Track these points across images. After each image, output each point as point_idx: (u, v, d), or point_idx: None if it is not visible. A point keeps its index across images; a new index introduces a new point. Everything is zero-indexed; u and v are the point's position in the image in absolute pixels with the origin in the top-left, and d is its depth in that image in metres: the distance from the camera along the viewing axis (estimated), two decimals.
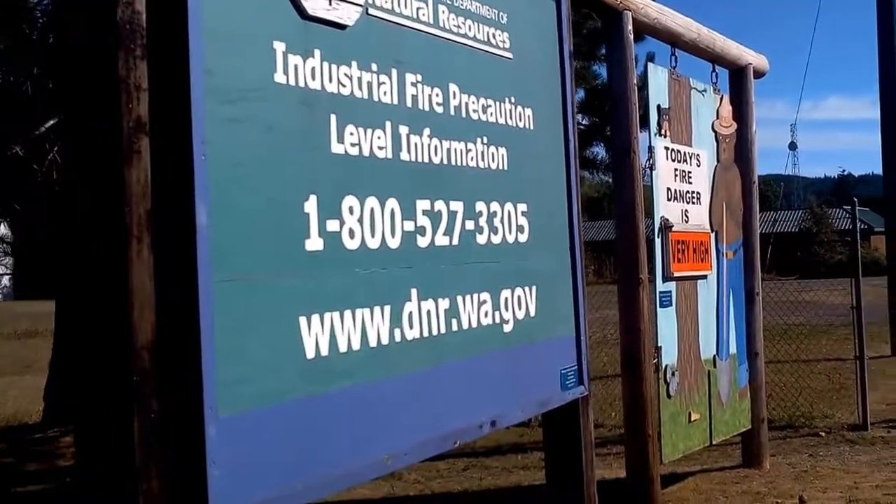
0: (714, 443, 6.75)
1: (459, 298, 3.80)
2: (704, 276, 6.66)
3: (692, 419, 6.38)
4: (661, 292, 6.09)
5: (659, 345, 6.05)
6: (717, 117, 7.02)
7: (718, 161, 7.01)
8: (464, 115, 3.90)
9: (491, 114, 4.09)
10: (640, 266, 5.76)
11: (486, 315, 3.97)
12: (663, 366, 6.06)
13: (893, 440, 8.57)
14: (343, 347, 3.16)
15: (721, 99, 7.09)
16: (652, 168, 6.11)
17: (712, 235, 6.81)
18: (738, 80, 7.44)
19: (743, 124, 7.36)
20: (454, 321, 3.76)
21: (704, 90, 6.84)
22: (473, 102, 3.97)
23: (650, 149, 6.12)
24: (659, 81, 6.24)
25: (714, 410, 6.68)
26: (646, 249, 5.84)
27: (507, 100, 4.21)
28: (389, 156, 3.45)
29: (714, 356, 6.77)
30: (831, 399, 10.64)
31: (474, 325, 3.88)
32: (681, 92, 6.50)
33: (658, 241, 6.10)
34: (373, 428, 3.26)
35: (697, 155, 6.67)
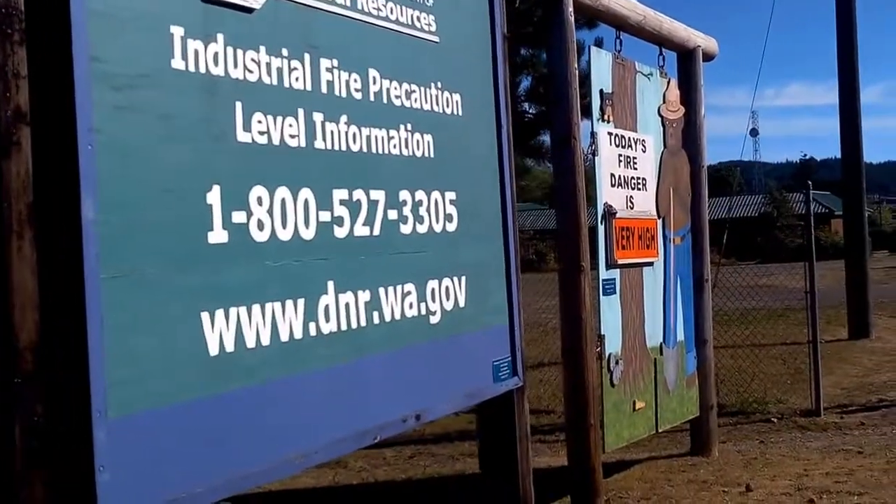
0: (660, 430, 6.73)
1: (381, 290, 3.71)
2: (651, 263, 6.61)
3: (637, 407, 6.33)
4: (604, 280, 6.03)
5: (602, 333, 5.99)
6: (664, 102, 6.96)
7: (665, 146, 6.94)
8: (385, 101, 3.80)
9: (415, 100, 3.99)
10: (581, 253, 5.69)
11: (410, 307, 3.88)
12: (606, 354, 6.00)
13: (846, 426, 8.60)
14: (251, 343, 3.06)
15: (668, 83, 7.02)
16: (594, 154, 6.03)
17: (659, 222, 6.76)
18: (687, 63, 7.38)
19: (691, 109, 7.30)
20: (376, 314, 3.67)
21: (650, 74, 6.77)
22: (396, 88, 3.87)
23: (593, 134, 6.05)
24: (602, 65, 6.16)
25: (660, 398, 6.65)
26: (587, 237, 5.77)
27: (432, 85, 4.12)
28: (303, 144, 3.34)
29: (661, 344, 6.72)
30: (786, 384, 10.67)
31: (398, 317, 3.79)
32: (625, 76, 6.42)
33: (601, 228, 6.04)
34: (284, 425, 3.17)
35: (643, 140, 6.60)
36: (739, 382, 10.32)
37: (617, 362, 6.10)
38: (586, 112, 6.12)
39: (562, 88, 5.69)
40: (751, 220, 52.09)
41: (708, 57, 7.63)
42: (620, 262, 6.15)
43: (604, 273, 6.03)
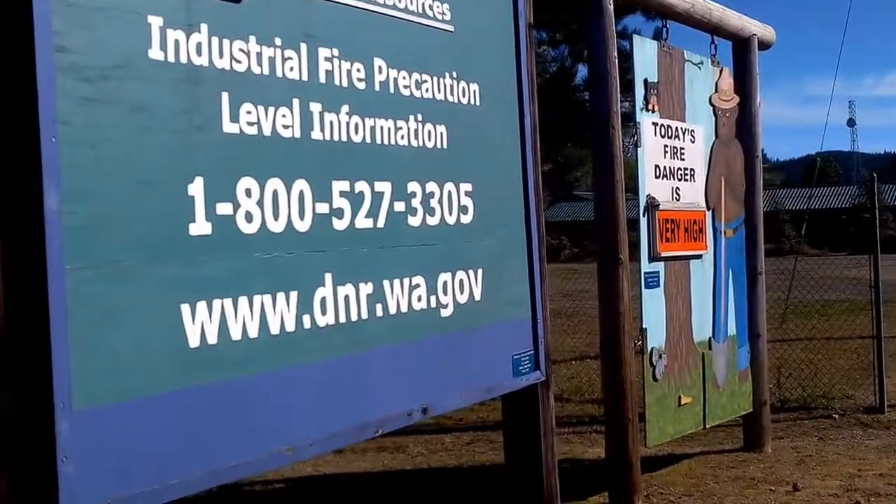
0: (708, 426, 6.48)
1: (386, 283, 3.59)
2: (699, 256, 6.36)
3: (682, 403, 6.10)
4: (646, 273, 5.81)
5: (644, 327, 5.78)
6: (716, 91, 6.69)
7: (717, 136, 6.67)
8: (392, 91, 3.68)
9: (427, 90, 3.86)
10: (619, 246, 5.50)
11: (419, 300, 3.75)
12: (649, 348, 5.79)
13: None
14: (236, 335, 2.98)
15: (721, 72, 6.75)
16: (637, 144, 5.81)
17: (709, 214, 6.50)
18: (742, 52, 7.08)
19: (746, 98, 7.01)
20: (379, 306, 3.55)
21: (701, 63, 6.51)
22: (404, 78, 3.74)
23: (635, 124, 5.83)
24: (646, 54, 5.94)
25: (709, 394, 6.40)
26: (626, 228, 5.57)
27: (447, 75, 3.98)
28: (297, 135, 3.24)
29: (709, 338, 6.47)
30: (855, 379, 10.21)
31: (404, 310, 3.67)
32: (672, 65, 6.18)
33: (643, 221, 5.82)
34: (271, 418, 3.08)
35: (692, 130, 6.35)
36: (807, 376, 9.91)
37: (660, 356, 5.88)
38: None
39: (600, 77, 5.50)
40: (844, 210, 50.51)
41: (765, 46, 7.31)
42: (664, 254, 5.92)
43: (646, 266, 5.81)
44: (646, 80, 5.89)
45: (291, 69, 3.24)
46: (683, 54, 6.33)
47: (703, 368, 6.34)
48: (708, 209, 6.50)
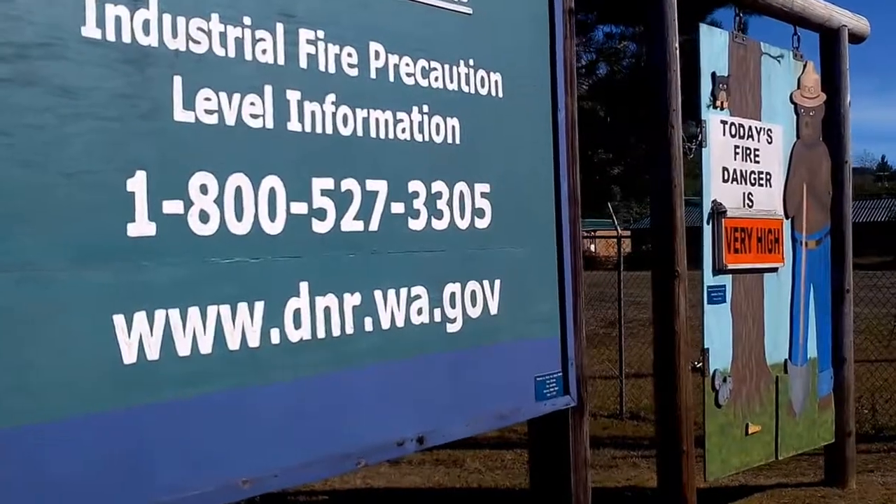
0: (780, 458, 5.95)
1: (378, 294, 3.25)
2: (774, 269, 5.85)
3: (750, 431, 5.60)
4: (710, 287, 5.34)
5: (706, 347, 5.31)
6: (799, 87, 6.15)
7: (799, 137, 6.14)
8: (391, 79, 3.34)
9: (435, 78, 3.51)
10: (676, 257, 5.05)
11: (419, 313, 3.40)
12: (711, 371, 5.32)
13: None
14: (184, 351, 2.67)
15: (804, 66, 6.21)
16: (702, 145, 5.35)
17: (787, 223, 5.98)
18: (830, 44, 6.52)
19: (834, 96, 6.45)
20: (369, 320, 3.21)
21: (780, 56, 5.99)
22: (407, 65, 3.40)
23: (701, 123, 5.36)
24: (715, 45, 5.47)
25: (782, 422, 5.87)
26: (684, 238, 5.11)
27: (461, 63, 3.62)
28: (269, 126, 2.93)
29: (785, 361, 5.94)
30: None
31: (400, 324, 3.32)
32: (747, 58, 5.69)
33: (707, 229, 5.35)
34: (225, 444, 2.77)
35: (769, 130, 5.84)
36: None
37: (724, 380, 5.39)
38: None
39: (658, 69, 5.07)
40: None
41: (858, 38, 6.73)
42: (731, 266, 5.44)
43: (710, 279, 5.34)
44: (713, 74, 5.42)
45: (264, 52, 2.93)
46: (760, 46, 5.83)
47: (776, 394, 5.82)
48: (786, 218, 5.98)
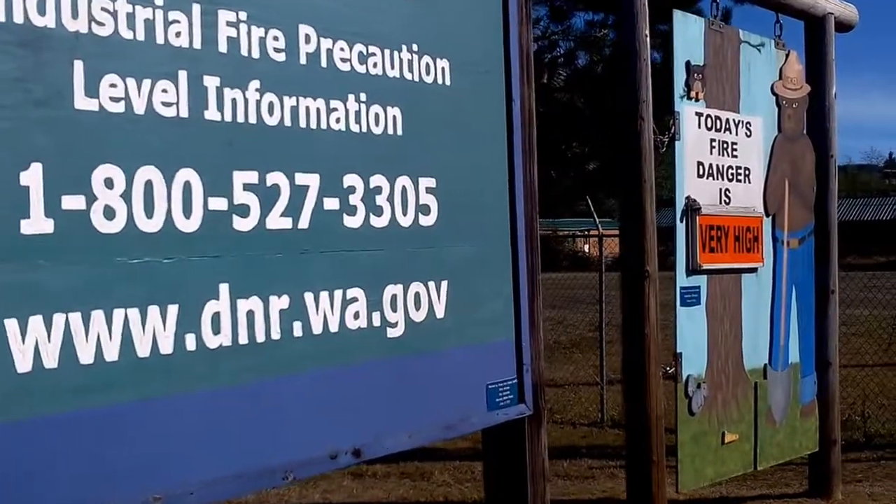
0: (760, 468, 5.83)
1: (309, 296, 3.12)
2: (753, 270, 5.73)
3: (727, 440, 5.49)
4: (683, 288, 5.23)
5: (679, 351, 5.19)
6: (780, 78, 6.04)
7: (780, 130, 6.03)
8: (324, 65, 3.21)
9: (374, 65, 3.38)
10: (645, 256, 4.94)
11: (356, 317, 3.27)
12: (684, 377, 5.20)
13: None
14: (87, 358, 2.54)
15: (787, 56, 6.10)
16: (675, 138, 5.23)
17: (767, 220, 5.86)
18: (815, 33, 6.40)
19: (818, 87, 6.34)
20: (298, 325, 3.08)
21: (761, 45, 5.87)
22: (342, 50, 3.27)
23: (674, 114, 5.24)
24: (690, 33, 5.35)
25: (761, 430, 5.76)
26: (654, 236, 4.99)
27: (403, 48, 3.49)
28: (184, 114, 2.80)
29: (765, 365, 5.83)
30: None
31: (334, 329, 3.20)
32: (724, 46, 5.57)
33: (681, 227, 5.23)
34: (132, 458, 2.64)
35: (747, 122, 5.73)
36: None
37: (699, 386, 5.28)
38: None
39: (626, 57, 4.95)
40: None
41: (845, 27, 6.62)
42: (706, 266, 5.32)
43: (683, 280, 5.22)
44: (688, 63, 5.30)
45: (178, 35, 2.80)
46: (739, 34, 5.72)
47: (754, 400, 5.71)
48: (767, 215, 5.86)
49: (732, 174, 5.60)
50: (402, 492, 6.93)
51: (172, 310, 2.74)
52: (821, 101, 6.33)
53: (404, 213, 3.46)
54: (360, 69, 3.33)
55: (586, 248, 37.77)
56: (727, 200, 5.54)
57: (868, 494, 6.48)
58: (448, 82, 3.66)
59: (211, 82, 2.87)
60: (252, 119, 2.98)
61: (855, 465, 7.23)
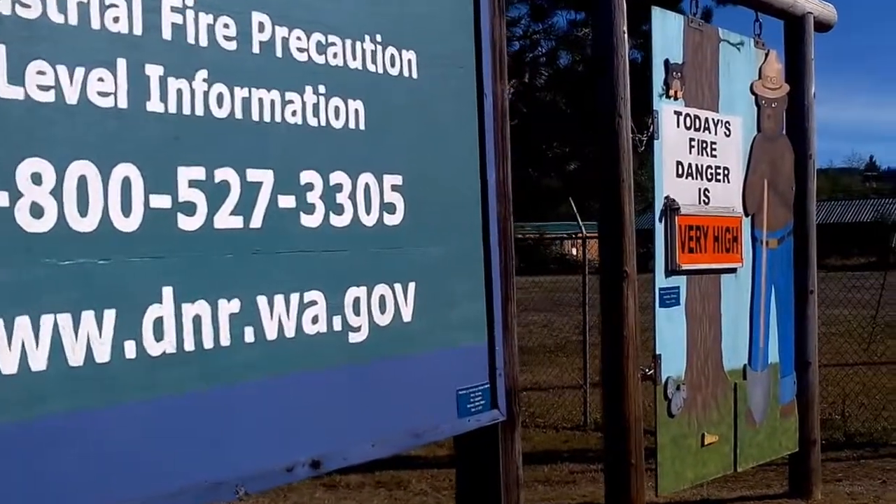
0: (740, 470, 5.53)
1: (263, 299, 2.82)
2: (732, 270, 5.44)
3: (706, 442, 5.19)
4: (662, 289, 4.93)
5: (658, 353, 4.89)
6: (760, 77, 5.74)
7: (760, 130, 5.73)
8: (279, 54, 2.90)
9: (334, 55, 3.07)
10: (624, 256, 4.64)
11: (315, 321, 2.97)
12: (663, 378, 4.90)
13: None
14: (10, 368, 2.24)
15: (766, 55, 5.80)
16: (654, 137, 4.93)
17: (746, 220, 5.56)
18: (795, 32, 6.10)
19: (798, 87, 6.04)
20: (250, 330, 2.78)
21: (741, 44, 5.58)
22: (299, 39, 2.97)
23: (653, 113, 4.94)
24: (669, 31, 5.05)
25: (741, 432, 5.46)
26: (634, 236, 4.70)
27: (366, 38, 3.18)
28: (123, 105, 2.49)
29: (744, 366, 5.53)
30: None
31: (290, 334, 2.89)
32: (703, 44, 5.27)
33: (659, 227, 4.93)
34: (66, 475, 2.34)
35: (727, 122, 5.43)
36: (878, 405, 8.83)
37: (678, 388, 4.98)
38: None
39: (604, 55, 4.65)
40: None
41: (824, 27, 6.33)
42: (685, 267, 5.02)
43: (662, 281, 4.92)
44: (667, 62, 5.00)
45: (116, 20, 2.49)
46: (718, 33, 5.42)
47: (734, 401, 5.41)
48: (746, 215, 5.56)
49: (712, 174, 5.30)
50: (377, 502, 6.59)
51: (109, 315, 2.43)
52: (800, 100, 6.04)
53: (367, 212, 3.16)
54: (319, 60, 3.03)
55: (574, 250, 37.48)
56: (706, 200, 5.25)
57: (848, 494, 6.18)
58: (415, 75, 3.36)
59: (154, 71, 2.57)
60: (199, 111, 2.67)
61: (835, 465, 6.95)
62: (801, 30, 6.08)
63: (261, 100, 2.84)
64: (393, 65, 3.27)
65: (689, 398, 5.05)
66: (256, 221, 2.81)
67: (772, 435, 5.74)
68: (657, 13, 5.01)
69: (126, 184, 2.48)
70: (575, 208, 9.58)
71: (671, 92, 5.02)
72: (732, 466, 5.42)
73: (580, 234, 9.28)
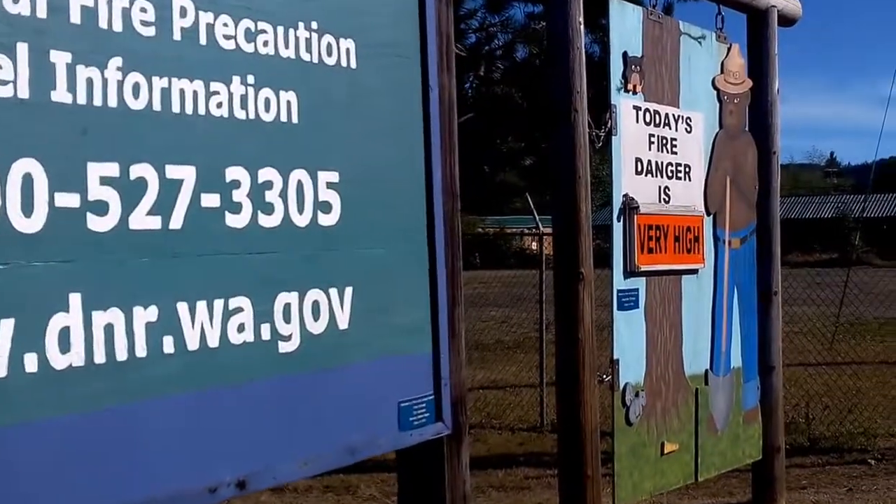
0: (701, 479, 5.43)
1: (183, 307, 2.65)
2: (694, 271, 5.33)
3: (666, 451, 5.07)
4: (620, 291, 4.80)
5: (615, 357, 4.77)
6: (722, 72, 5.64)
7: (722, 126, 5.63)
8: (203, 42, 2.73)
9: (265, 43, 2.91)
10: (580, 257, 4.51)
11: (241, 329, 2.80)
12: (621, 385, 4.78)
13: None
14: None
15: (729, 49, 5.70)
16: (612, 133, 4.80)
17: (708, 219, 5.46)
18: (758, 26, 6.01)
19: (761, 82, 5.94)
20: (168, 340, 2.61)
21: (702, 37, 5.47)
22: (226, 25, 2.80)
23: (611, 108, 4.81)
24: (628, 23, 4.92)
25: (703, 439, 5.35)
26: (590, 236, 4.57)
27: (300, 25, 3.02)
28: (23, 95, 2.32)
29: (706, 371, 5.43)
30: None
31: (213, 344, 2.72)
32: (663, 38, 5.15)
33: (618, 226, 4.81)
34: None
35: (688, 118, 5.32)
36: (844, 409, 8.80)
37: (637, 394, 4.86)
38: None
39: (559, 46, 4.51)
40: None
41: (788, 21, 6.24)
42: (645, 268, 4.90)
43: (620, 283, 4.80)
44: (625, 55, 4.87)
45: (16, 1, 2.31)
46: (679, 25, 5.31)
47: (695, 408, 5.31)
48: (708, 214, 5.46)
49: (672, 171, 5.19)
50: None
51: (6, 325, 2.26)
52: (763, 96, 5.95)
53: (300, 211, 2.99)
54: (248, 48, 2.86)
55: (534, 245, 37.52)
56: (666, 199, 5.13)
57: (813, 501, 6.14)
58: (354, 65, 3.20)
59: (60, 58, 2.39)
60: (112, 102, 2.50)
61: (800, 471, 6.90)
62: (764, 24, 5.99)
63: (182, 91, 2.67)
64: (330, 54, 3.11)
65: (648, 405, 4.94)
66: (176, 222, 2.64)
67: (734, 442, 5.65)
68: (615, 4, 4.88)
69: (27, 181, 2.31)
70: (532, 204, 9.46)
71: (630, 86, 4.90)
72: (693, 476, 5.31)
73: (537, 231, 9.16)
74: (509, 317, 15.14)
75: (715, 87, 5.59)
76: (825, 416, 8.44)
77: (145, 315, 2.55)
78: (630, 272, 4.84)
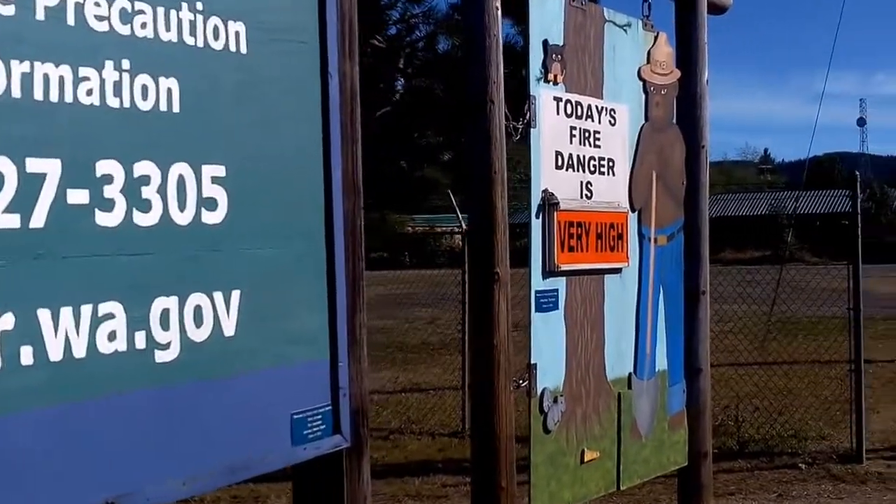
0: (624, 487, 5.39)
1: (44, 314, 2.50)
2: (617, 270, 5.28)
3: (586, 459, 5.03)
4: (538, 292, 4.73)
5: (533, 362, 4.70)
6: (648, 62, 5.60)
7: (647, 119, 5.59)
8: (71, 22, 2.58)
9: (142, 25, 2.77)
10: (495, 257, 4.43)
11: (111, 338, 2.66)
12: (539, 390, 4.71)
13: (892, 477, 7.12)
14: None
15: (656, 38, 5.66)
16: (531, 125, 4.73)
17: (632, 216, 5.42)
18: (686, 14, 5.99)
19: (689, 73, 5.92)
20: (27, 350, 2.46)
21: (628, 25, 5.42)
22: (98, 5, 2.65)
23: (530, 98, 4.74)
24: (548, 9, 4.85)
25: (625, 446, 5.32)
26: (506, 234, 4.50)
27: (183, 6, 2.88)
28: None
29: (629, 374, 5.40)
30: (834, 414, 9.16)
31: (80, 354, 2.58)
32: (587, 25, 5.09)
33: (536, 224, 4.73)
34: None
35: (612, 110, 5.27)
36: (775, 410, 8.88)
37: (555, 400, 4.80)
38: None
39: (474, 34, 4.43)
40: (845, 215, 49.74)
41: (718, 9, 6.24)
42: (565, 268, 4.84)
43: (539, 283, 4.73)
44: (545, 43, 4.80)
45: None
46: (603, 13, 5.25)
47: (618, 413, 5.27)
48: (632, 211, 5.42)
49: (595, 166, 5.14)
50: None
51: None
52: (692, 87, 5.93)
53: (181, 209, 2.86)
54: (123, 30, 2.72)
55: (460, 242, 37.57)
56: (589, 194, 5.08)
57: None
58: (244, 50, 3.07)
59: None
60: None
61: (728, 476, 6.93)
62: (693, 11, 5.97)
63: (46, 76, 2.51)
64: (216, 38, 2.98)
65: (567, 411, 4.88)
66: (38, 220, 2.49)
67: (659, 449, 5.63)
68: None
69: None
70: (455, 201, 9.37)
71: (550, 76, 4.82)
72: (615, 484, 5.27)
73: (461, 230, 9.09)
74: (437, 317, 15.07)
75: (641, 78, 5.55)
76: (755, 419, 8.51)
77: (1, 323, 2.40)
78: (549, 272, 4.77)
